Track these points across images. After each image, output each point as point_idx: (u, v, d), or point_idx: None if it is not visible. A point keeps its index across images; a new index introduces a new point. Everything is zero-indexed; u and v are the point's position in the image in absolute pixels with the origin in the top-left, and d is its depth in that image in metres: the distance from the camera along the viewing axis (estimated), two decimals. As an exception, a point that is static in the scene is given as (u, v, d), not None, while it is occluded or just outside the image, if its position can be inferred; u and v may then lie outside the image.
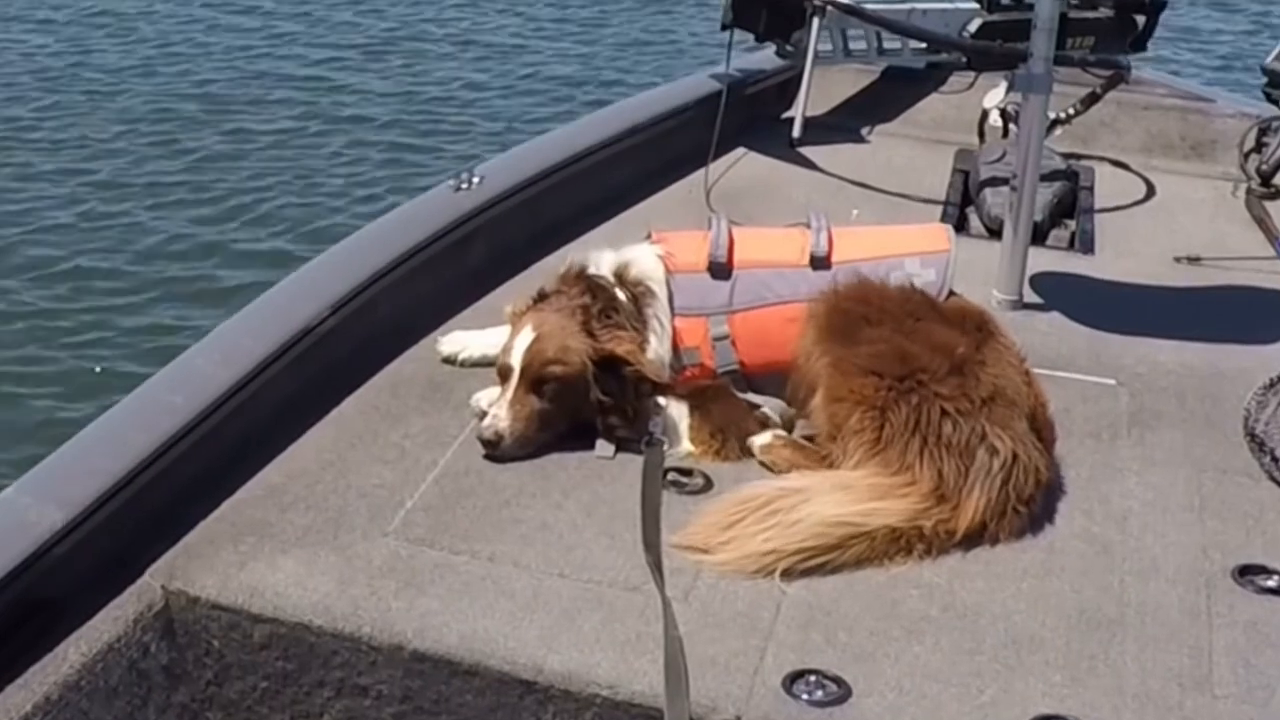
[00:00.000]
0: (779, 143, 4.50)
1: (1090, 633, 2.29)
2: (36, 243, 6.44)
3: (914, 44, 4.78)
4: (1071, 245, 4.03)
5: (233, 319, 2.94)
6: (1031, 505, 2.53)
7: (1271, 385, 3.00)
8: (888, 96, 4.93)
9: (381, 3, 10.69)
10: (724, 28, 4.42)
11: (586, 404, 2.67)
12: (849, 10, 4.43)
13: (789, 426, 2.75)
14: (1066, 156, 4.43)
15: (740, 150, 4.46)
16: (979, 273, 3.37)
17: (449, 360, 3.03)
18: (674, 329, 2.77)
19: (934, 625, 2.29)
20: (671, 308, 2.78)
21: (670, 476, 2.63)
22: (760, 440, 2.68)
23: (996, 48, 3.80)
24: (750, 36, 4.60)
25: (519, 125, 8.25)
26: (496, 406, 2.68)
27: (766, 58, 4.79)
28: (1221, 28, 10.91)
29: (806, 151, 4.49)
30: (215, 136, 7.92)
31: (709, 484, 2.63)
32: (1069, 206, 4.21)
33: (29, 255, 6.31)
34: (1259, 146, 4.41)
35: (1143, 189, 4.43)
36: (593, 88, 9.13)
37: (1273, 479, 2.75)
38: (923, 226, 3.22)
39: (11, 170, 7.22)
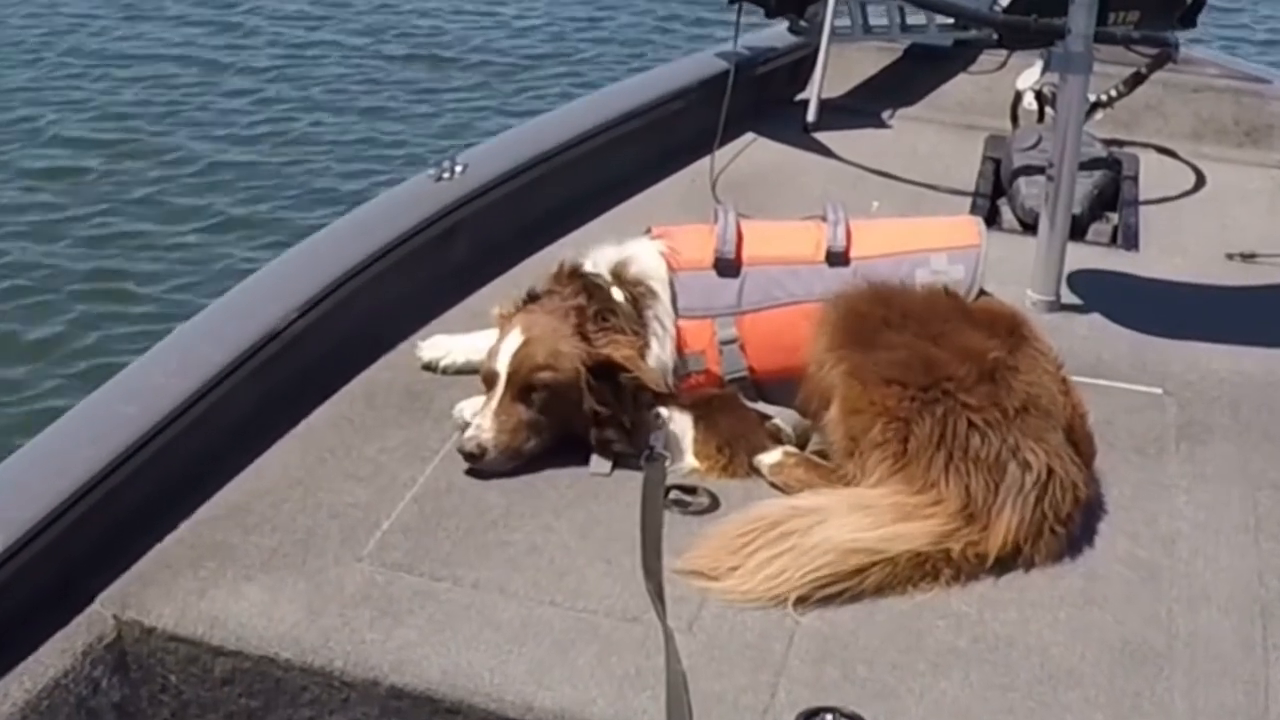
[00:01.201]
0: (792, 128, 4.51)
1: (1135, 667, 2.29)
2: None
3: (940, 19, 4.79)
4: (1113, 240, 4.04)
5: (190, 322, 2.94)
6: (1069, 526, 2.53)
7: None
8: (911, 77, 4.94)
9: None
10: (731, 1, 4.43)
11: (579, 415, 2.68)
12: (869, -19, 4.45)
13: (803, 439, 2.75)
14: (1108, 143, 4.44)
15: (749, 136, 4.47)
16: (1012, 270, 3.38)
17: (429, 367, 3.03)
18: (677, 332, 2.78)
19: (962, 658, 2.29)
20: (674, 309, 2.79)
21: (673, 495, 2.63)
22: (770, 459, 2.69)
23: (1031, 23, 3.81)
24: (760, 11, 4.61)
25: (506, 109, 8.25)
26: (480, 416, 2.68)
27: (778, 34, 4.81)
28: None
29: (822, 137, 4.50)
30: (172, 122, 7.94)
31: (715, 503, 2.64)
32: (1111, 198, 4.22)
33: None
34: (1320, 132, 4.43)
35: (1192, 179, 4.44)
36: (587, 68, 9.14)
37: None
38: (950, 219, 3.23)
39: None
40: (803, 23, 4.66)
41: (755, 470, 2.70)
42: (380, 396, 2.95)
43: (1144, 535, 2.62)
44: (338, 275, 3.07)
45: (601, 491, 2.65)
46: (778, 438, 2.74)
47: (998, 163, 4.38)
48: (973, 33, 4.83)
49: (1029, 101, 4.47)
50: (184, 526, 2.51)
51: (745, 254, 2.83)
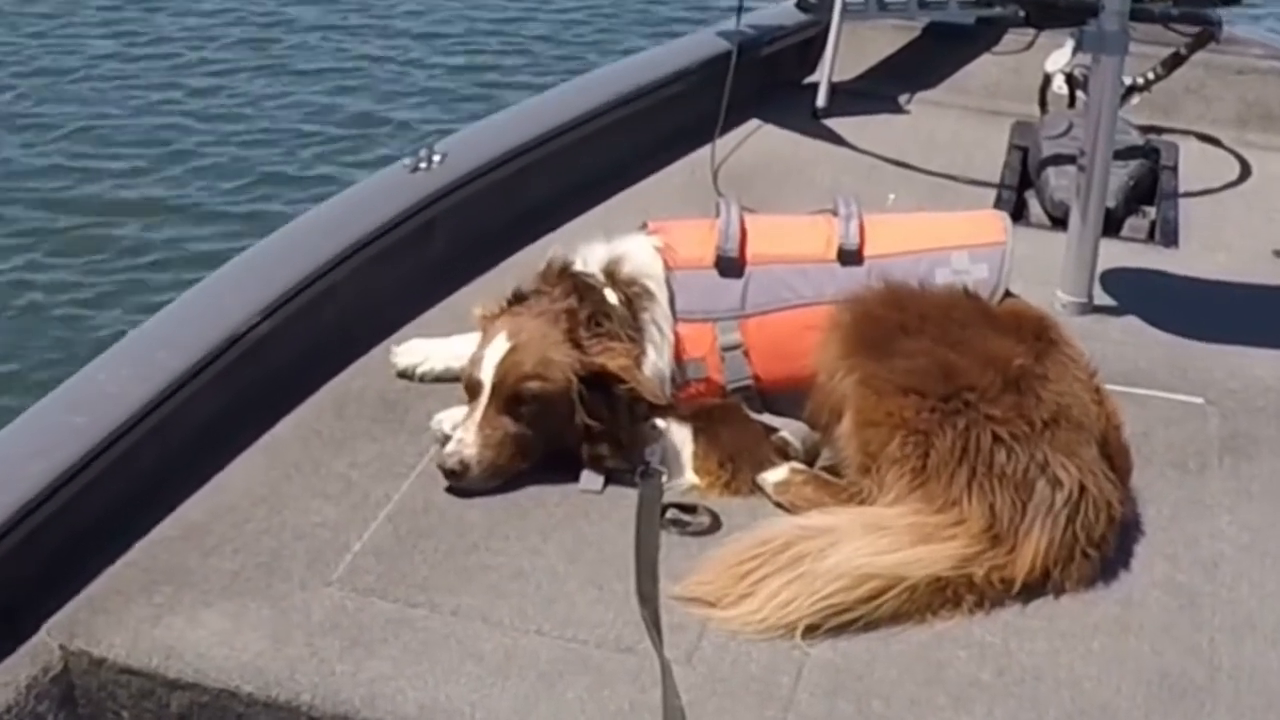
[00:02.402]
0: (800, 113, 4.52)
1: (1174, 701, 2.29)
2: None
3: (962, -6, 4.81)
4: (1151, 236, 4.05)
5: (146, 325, 2.95)
6: (1103, 548, 2.54)
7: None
8: (930, 58, 4.96)
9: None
10: (734, -25, 4.45)
11: (570, 428, 2.68)
12: (885, -46, 4.48)
13: (812, 454, 2.75)
14: (1145, 130, 4.46)
15: (754, 123, 4.48)
16: (1040, 269, 3.39)
17: (405, 374, 3.04)
18: (675, 337, 2.78)
19: (987, 692, 2.29)
20: (673, 311, 2.80)
21: (670, 515, 2.64)
22: (775, 477, 2.69)
23: (1061, 0, 3.83)
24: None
25: (488, 93, 8.25)
26: (462, 430, 2.68)
27: (786, 11, 4.83)
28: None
29: (832, 124, 4.51)
30: (139, 112, 7.94)
31: (716, 523, 2.64)
32: (1148, 190, 4.23)
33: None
34: (1375, 119, 4.45)
35: (1236, 169, 4.45)
36: (577, 49, 9.14)
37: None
38: (973, 214, 3.24)
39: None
40: (812, -2, 4.68)
41: (759, 488, 2.70)
42: (352, 406, 2.95)
43: (1184, 558, 2.62)
44: (305, 274, 3.07)
45: (593, 510, 2.66)
46: (784, 453, 2.75)
47: (1025, 152, 4.39)
48: (997, 10, 4.85)
49: (1059, 85, 4.48)
50: (137, 548, 2.51)
51: (749, 251, 2.84)
